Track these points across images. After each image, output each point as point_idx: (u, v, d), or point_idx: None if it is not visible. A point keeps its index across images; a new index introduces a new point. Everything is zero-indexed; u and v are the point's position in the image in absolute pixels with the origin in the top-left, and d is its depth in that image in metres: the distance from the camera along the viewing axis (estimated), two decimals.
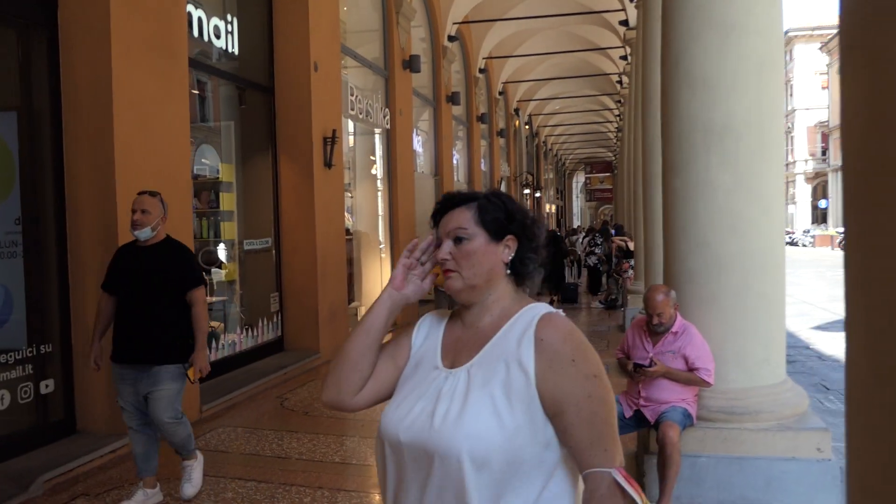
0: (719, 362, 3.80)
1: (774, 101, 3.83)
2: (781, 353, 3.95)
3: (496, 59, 18.73)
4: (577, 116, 31.23)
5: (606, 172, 48.41)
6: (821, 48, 47.69)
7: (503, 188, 22.29)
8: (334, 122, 8.42)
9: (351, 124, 10.19)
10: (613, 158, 44.66)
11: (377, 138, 11.12)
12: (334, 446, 5.03)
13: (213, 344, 6.83)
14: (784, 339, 3.99)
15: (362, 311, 10.48)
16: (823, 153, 51.25)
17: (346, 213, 10.52)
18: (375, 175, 11.21)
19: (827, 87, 48.90)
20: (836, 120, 43.98)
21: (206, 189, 7.78)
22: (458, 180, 16.54)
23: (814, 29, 51.47)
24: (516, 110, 24.40)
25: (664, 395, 3.77)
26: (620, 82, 19.72)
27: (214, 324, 7.34)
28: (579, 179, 59.95)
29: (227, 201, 7.81)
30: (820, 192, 52.18)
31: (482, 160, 19.08)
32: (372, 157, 11.23)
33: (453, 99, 14.46)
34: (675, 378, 3.75)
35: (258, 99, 7.89)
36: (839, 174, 0.77)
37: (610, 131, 35.02)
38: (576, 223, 55.65)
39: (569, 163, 50.85)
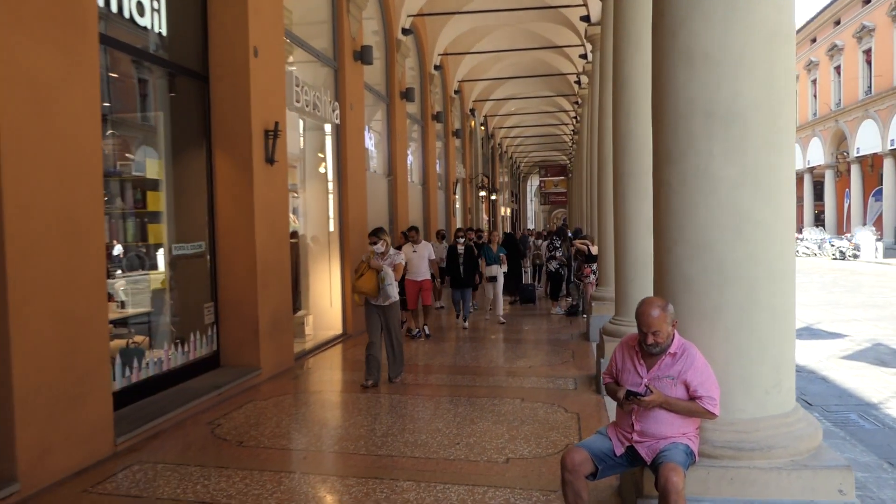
0: (724, 389, 3.23)
1: (786, 80, 3.27)
2: (792, 377, 3.39)
3: (452, 56, 18.13)
4: (533, 118, 30.92)
5: (561, 176, 48.46)
6: None
7: (458, 190, 21.69)
8: (277, 113, 7.66)
9: (297, 119, 9.41)
10: (568, 162, 44.67)
11: (327, 135, 10.36)
12: (271, 485, 4.30)
13: (136, 363, 6.00)
14: (794, 360, 3.44)
15: (310, 320, 9.70)
16: None
17: (291, 215, 9.73)
18: (325, 174, 10.44)
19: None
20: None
21: (132, 187, 6.95)
22: (412, 181, 15.87)
23: None
24: (472, 110, 23.86)
25: (662, 430, 3.17)
26: (579, 82, 19.36)
27: (138, 338, 6.50)
28: (534, 183, 59.96)
29: (155, 201, 6.97)
30: None
31: (437, 161, 18.43)
32: (321, 155, 10.46)
33: (407, 95, 13.78)
34: (674, 408, 3.15)
35: (190, 86, 7.08)
36: None
37: (565, 134, 34.86)
38: (530, 226, 55.57)
39: (524, 166, 50.70)
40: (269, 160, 7.48)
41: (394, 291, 6.99)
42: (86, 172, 4.79)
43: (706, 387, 3.13)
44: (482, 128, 27.19)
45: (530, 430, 5.34)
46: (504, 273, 12.07)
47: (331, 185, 10.38)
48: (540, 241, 17.08)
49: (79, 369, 4.65)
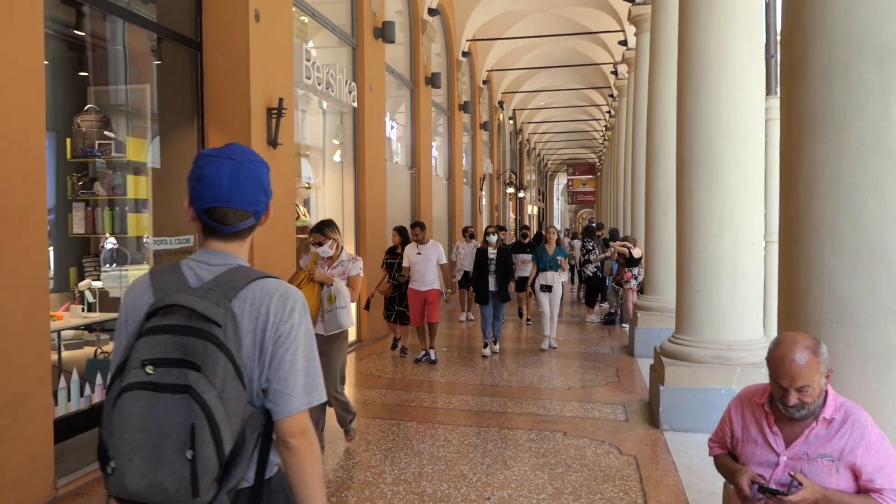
0: None
1: None
2: None
3: (481, 43, 17.03)
4: (563, 113, 29.70)
5: (589, 175, 47.11)
6: None
7: (485, 186, 20.60)
8: (282, 89, 6.64)
9: (309, 99, 8.40)
10: (597, 160, 43.30)
11: (342, 118, 9.34)
12: None
13: (101, 378, 5.02)
14: None
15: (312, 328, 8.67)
16: None
17: (301, 208, 8.73)
18: (340, 163, 9.42)
19: None
20: None
21: (111, 171, 5.99)
22: (437, 175, 14.81)
23: None
24: (500, 103, 22.73)
25: None
26: (615, 73, 18.13)
27: (108, 348, 5.52)
28: (560, 181, 58.59)
29: (138, 187, 6.01)
30: None
31: (464, 154, 17.36)
32: (335, 142, 9.44)
33: (433, 81, 12.71)
34: None
35: (181, 55, 6.08)
36: None
37: (595, 130, 33.58)
38: (556, 224, 54.32)
39: (551, 164, 49.43)
40: (272, 143, 6.47)
41: (346, 318, 4.71)
42: (20, 153, 3.79)
43: (887, 473, 2.02)
44: (511, 122, 26.06)
45: (578, 480, 4.25)
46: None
47: (346, 176, 9.36)
48: (574, 241, 15.90)
49: (7, 393, 3.65)
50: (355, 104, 8.97)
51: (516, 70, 20.64)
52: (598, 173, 44.29)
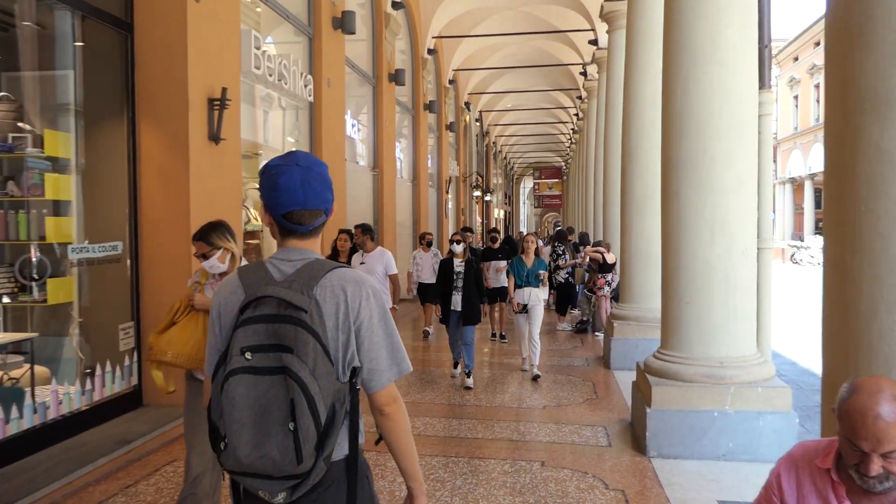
0: None
1: None
2: None
3: (447, 41, 16.48)
4: (530, 115, 29.35)
5: (556, 178, 47.00)
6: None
7: (451, 189, 20.04)
8: (226, 78, 5.97)
9: (258, 91, 7.73)
10: (564, 164, 43.17)
11: (298, 114, 8.68)
12: None
13: (6, 410, 4.29)
14: None
15: None
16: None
17: (251, 210, 8.06)
18: None
19: (776, 101, 48.75)
20: (784, 132, 43.64)
21: (28, 168, 5.25)
22: (402, 177, 14.20)
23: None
24: (467, 104, 22.21)
25: None
26: (585, 73, 17.76)
27: (16, 373, 4.78)
28: (527, 185, 58.47)
29: (59, 186, 5.28)
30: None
31: (429, 156, 16.77)
32: (290, 139, 8.77)
33: (397, 78, 12.10)
34: None
35: (109, 37, 5.39)
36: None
37: (562, 133, 33.34)
38: (522, 229, 54.12)
39: (517, 167, 49.16)
40: (214, 137, 5.80)
41: None
42: None
43: None
44: (477, 123, 25.57)
45: None
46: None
47: None
48: (542, 244, 15.41)
49: None
50: (311, 98, 8.32)
51: (483, 70, 20.13)
52: (565, 177, 44.15)
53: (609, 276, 10.47)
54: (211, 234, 3.17)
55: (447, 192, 19.06)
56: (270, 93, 7.57)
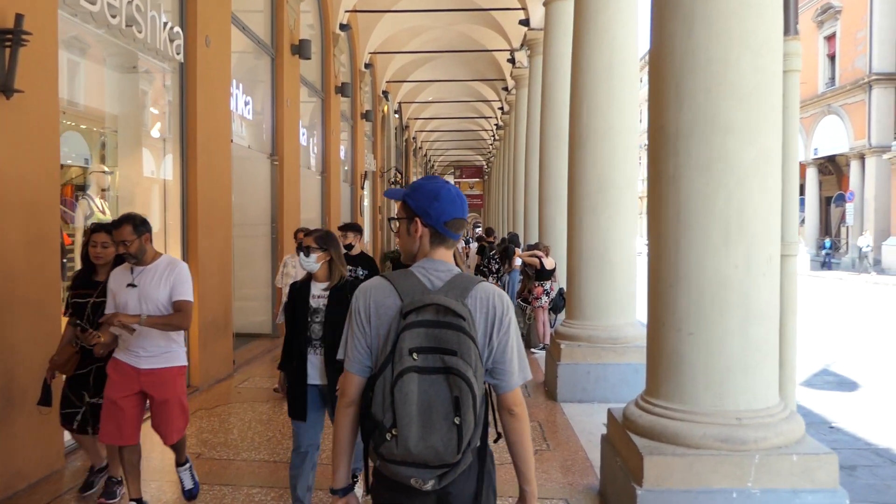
0: None
1: None
2: None
3: (362, 15, 14.70)
4: (452, 108, 27.94)
5: (476, 178, 46.01)
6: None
7: (367, 185, 18.26)
8: (25, 3, 4.08)
9: (86, 30, 5.80)
10: (485, 164, 42.10)
11: (165, 78, 6.75)
12: None
13: None
14: None
15: None
16: None
17: (93, 200, 6.13)
18: (162, 140, 6.82)
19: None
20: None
21: None
22: (310, 168, 12.37)
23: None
24: (385, 93, 20.49)
25: None
26: (513, 60, 16.39)
27: None
28: None
29: None
30: None
31: (341, 146, 14.97)
32: (154, 111, 6.85)
33: (301, 50, 10.27)
34: None
35: None
36: None
37: (485, 130, 32.16)
38: None
39: (438, 165, 47.78)
40: (6, 89, 3.90)
41: None
42: None
43: None
44: (396, 115, 23.87)
45: None
46: None
47: (172, 160, 6.78)
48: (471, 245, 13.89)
49: None
50: (181, 58, 6.43)
51: (403, 54, 18.46)
52: (486, 176, 43.10)
53: (547, 284, 9.05)
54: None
55: (362, 188, 17.29)
56: (113, 41, 5.62)
